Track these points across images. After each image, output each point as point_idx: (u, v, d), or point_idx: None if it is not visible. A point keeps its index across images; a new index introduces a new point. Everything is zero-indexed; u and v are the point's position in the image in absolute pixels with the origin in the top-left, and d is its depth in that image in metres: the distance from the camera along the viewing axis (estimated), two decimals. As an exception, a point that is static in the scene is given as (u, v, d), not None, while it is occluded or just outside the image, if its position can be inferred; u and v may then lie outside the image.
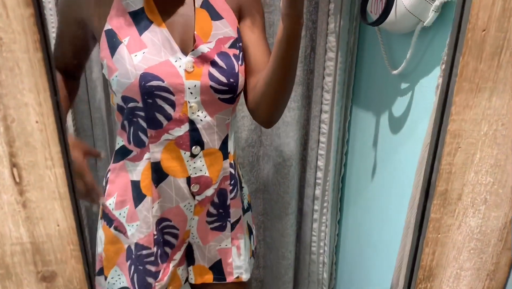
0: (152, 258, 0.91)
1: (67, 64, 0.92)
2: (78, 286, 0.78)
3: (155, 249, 0.91)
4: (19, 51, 0.60)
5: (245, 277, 1.00)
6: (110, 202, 0.91)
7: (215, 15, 0.84)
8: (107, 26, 0.80)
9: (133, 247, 0.91)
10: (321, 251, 1.55)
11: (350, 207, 1.54)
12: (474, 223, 0.81)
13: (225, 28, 0.84)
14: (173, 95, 0.79)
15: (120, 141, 0.89)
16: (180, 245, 0.95)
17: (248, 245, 1.01)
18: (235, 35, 0.85)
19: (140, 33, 0.78)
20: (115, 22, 0.79)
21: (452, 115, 0.72)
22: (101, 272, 0.94)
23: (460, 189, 0.78)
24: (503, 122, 0.73)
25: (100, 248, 0.94)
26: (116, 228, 0.91)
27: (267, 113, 0.87)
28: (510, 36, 0.68)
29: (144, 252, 0.91)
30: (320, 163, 1.43)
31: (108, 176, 0.93)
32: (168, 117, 0.81)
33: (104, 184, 0.94)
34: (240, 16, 0.87)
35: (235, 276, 0.98)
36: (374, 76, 1.29)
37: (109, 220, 0.92)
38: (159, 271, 0.92)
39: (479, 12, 0.66)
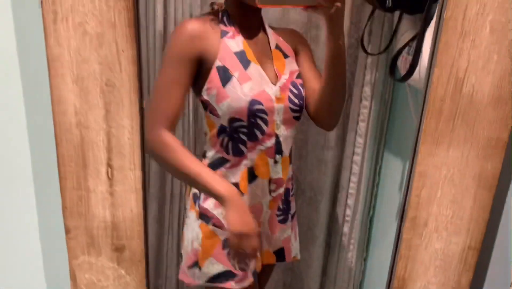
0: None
1: (176, 114, 1.00)
2: (139, 258, 1.08)
3: None
4: (124, 92, 0.94)
5: (299, 256, 1.26)
6: (208, 203, 1.07)
7: (285, 54, 1.13)
8: (218, 63, 0.99)
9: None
10: (345, 285, 1.61)
11: (376, 246, 1.61)
12: (438, 246, 1.04)
13: (292, 63, 1.13)
14: (267, 115, 1.03)
15: (215, 155, 1.07)
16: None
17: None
18: (298, 68, 1.14)
19: (245, 69, 1.01)
20: (225, 60, 1.00)
21: (419, 160, 0.98)
22: (195, 264, 1.10)
23: (426, 217, 1.02)
24: (459, 169, 0.98)
25: (196, 244, 1.09)
26: (214, 224, 1.07)
27: (327, 118, 1.11)
28: (461, 106, 0.93)
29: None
30: (350, 201, 1.51)
31: None
32: (263, 133, 1.04)
33: (196, 190, 1.09)
34: (295, 52, 1.16)
35: (293, 256, 1.23)
36: (404, 126, 1.41)
37: (207, 218, 1.07)
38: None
39: (438, 87, 0.93)
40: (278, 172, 1.10)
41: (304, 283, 1.63)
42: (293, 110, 1.08)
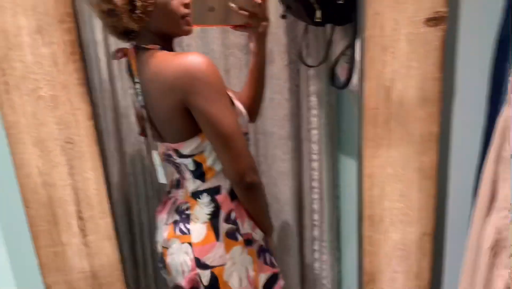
0: None
1: None
2: (122, 301, 1.12)
3: None
4: (85, 146, 0.98)
5: None
6: (246, 226, 1.09)
7: None
8: None
9: (262, 242, 1.15)
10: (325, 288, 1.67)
11: (347, 245, 1.66)
12: (396, 237, 1.14)
13: None
14: None
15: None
16: None
17: None
18: None
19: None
20: None
21: (365, 164, 1.08)
22: None
23: (381, 213, 1.12)
24: (401, 165, 1.09)
25: (250, 273, 1.10)
26: (255, 243, 1.12)
27: (254, 114, 1.24)
28: (393, 110, 1.04)
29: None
30: (315, 206, 1.59)
31: (232, 216, 1.07)
32: None
33: (231, 224, 1.07)
34: None
35: None
36: (351, 127, 1.49)
37: (250, 241, 1.10)
38: None
39: (370, 98, 1.03)
40: None
41: (284, 292, 1.70)
42: None
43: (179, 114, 0.96)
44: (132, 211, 1.48)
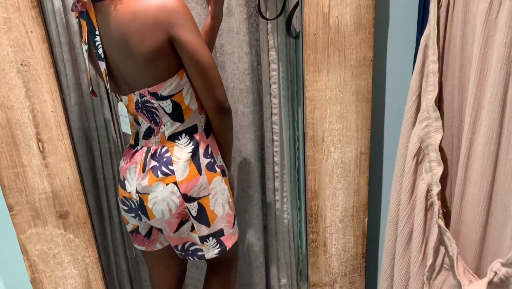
0: None
1: None
2: (83, 220, 1.19)
3: None
4: (40, 69, 1.03)
5: None
6: (219, 158, 1.17)
7: None
8: None
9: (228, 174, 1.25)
10: (286, 236, 1.71)
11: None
12: (336, 156, 1.26)
13: None
14: None
15: (204, 119, 1.14)
16: None
17: None
18: None
19: None
20: None
21: (307, 87, 1.18)
22: (235, 217, 1.22)
23: (322, 134, 1.23)
24: (339, 89, 1.19)
25: (230, 200, 1.18)
26: (227, 174, 1.21)
27: None
28: (331, 36, 1.14)
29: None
30: (276, 159, 1.59)
31: (209, 150, 1.15)
32: None
33: (209, 158, 1.14)
34: None
35: None
36: None
37: (224, 172, 1.18)
38: None
39: (310, 24, 1.12)
40: None
41: (248, 242, 1.74)
42: None
43: (162, 50, 1.00)
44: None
